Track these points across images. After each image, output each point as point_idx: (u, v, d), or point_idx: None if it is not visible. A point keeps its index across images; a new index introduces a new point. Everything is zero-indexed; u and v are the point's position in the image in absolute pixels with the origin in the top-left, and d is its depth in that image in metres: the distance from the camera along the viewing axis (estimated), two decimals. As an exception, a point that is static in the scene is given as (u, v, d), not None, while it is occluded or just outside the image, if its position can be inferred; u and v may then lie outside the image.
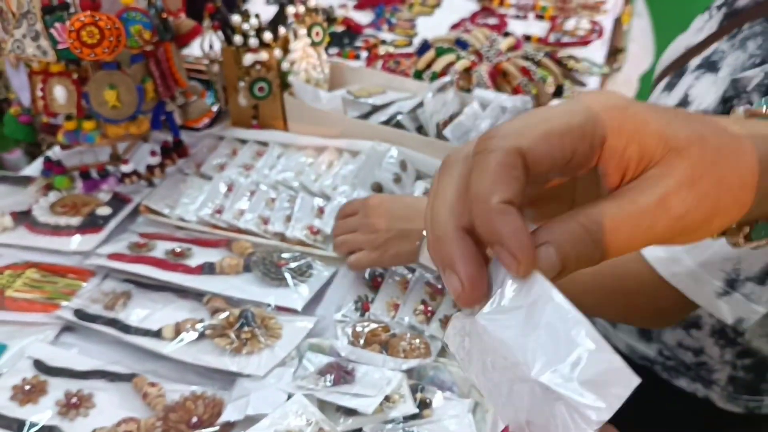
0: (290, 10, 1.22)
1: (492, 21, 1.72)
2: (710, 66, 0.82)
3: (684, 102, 0.83)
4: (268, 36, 1.20)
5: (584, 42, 1.58)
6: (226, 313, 0.87)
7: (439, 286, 0.92)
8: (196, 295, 0.94)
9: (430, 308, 0.89)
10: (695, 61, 0.87)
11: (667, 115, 0.34)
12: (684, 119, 0.34)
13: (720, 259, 0.69)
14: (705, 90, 0.80)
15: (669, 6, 2.30)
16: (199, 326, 0.86)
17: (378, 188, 1.08)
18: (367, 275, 0.94)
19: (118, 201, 1.11)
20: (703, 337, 0.89)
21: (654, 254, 0.72)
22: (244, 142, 1.23)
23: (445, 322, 0.87)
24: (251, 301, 0.91)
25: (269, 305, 0.90)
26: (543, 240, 0.33)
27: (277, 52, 1.21)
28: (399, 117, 1.19)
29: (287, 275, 0.95)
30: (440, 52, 1.34)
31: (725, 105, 0.75)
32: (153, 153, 1.13)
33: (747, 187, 0.34)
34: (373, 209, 0.91)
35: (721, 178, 0.33)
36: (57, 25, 0.97)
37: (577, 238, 0.33)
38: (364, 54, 1.56)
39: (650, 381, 0.98)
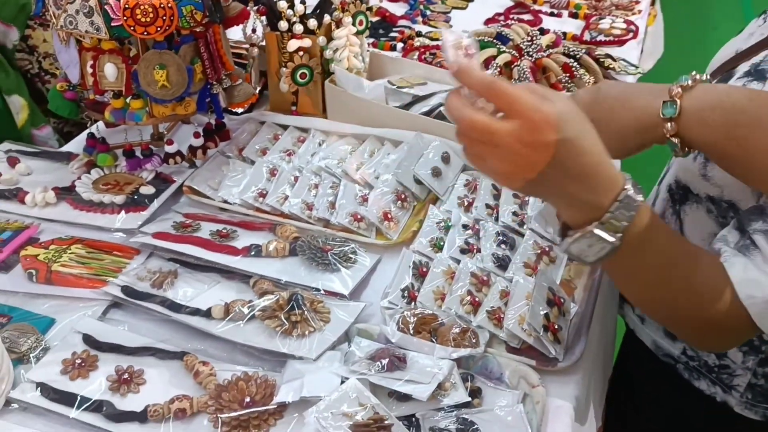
0: (336, -2, 1.22)
1: (526, 17, 1.71)
2: (758, 74, 0.82)
3: None
4: (312, 23, 1.20)
5: (620, 41, 1.58)
6: (276, 296, 0.87)
7: (485, 278, 0.92)
8: (242, 277, 0.94)
9: (477, 299, 0.89)
10: (743, 67, 0.87)
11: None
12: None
13: None
14: None
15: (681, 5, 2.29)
16: (248, 307, 0.86)
17: (418, 182, 1.09)
18: (411, 264, 0.95)
19: (160, 181, 1.11)
20: None
21: (740, 275, 0.70)
22: (284, 127, 1.23)
23: (492, 313, 0.87)
24: (299, 284, 0.92)
25: (318, 289, 0.91)
26: None
27: (321, 40, 1.21)
28: (441, 108, 1.19)
29: (333, 260, 0.95)
30: (481, 45, 1.34)
31: None
32: (196, 134, 1.13)
33: None
34: (542, 141, 0.64)
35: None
36: (111, 2, 0.97)
37: None
38: (399, 45, 1.56)
39: (672, 380, 0.98)
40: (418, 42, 1.55)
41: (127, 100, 1.05)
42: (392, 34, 1.62)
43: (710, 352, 0.90)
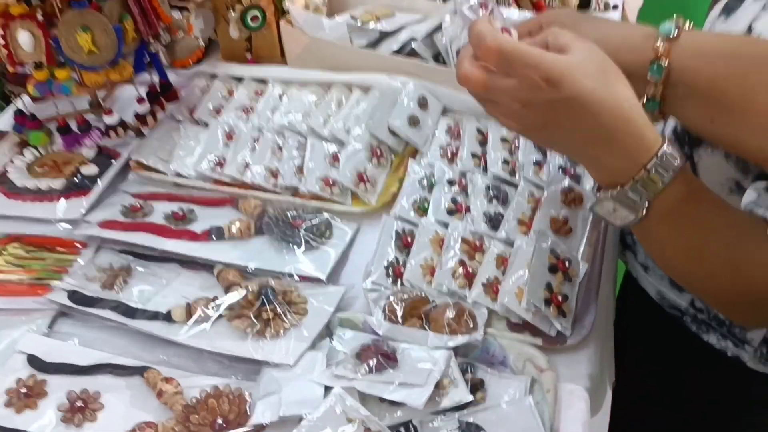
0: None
1: None
2: (727, 10, 0.69)
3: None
4: (258, -45, 1.05)
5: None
6: (243, 292, 0.76)
7: (477, 243, 0.82)
8: (205, 267, 0.83)
9: (470, 269, 0.79)
10: (718, 7, 0.74)
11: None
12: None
13: None
14: None
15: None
16: (213, 306, 0.76)
17: (394, 133, 0.96)
18: (394, 234, 0.84)
19: (104, 157, 0.98)
20: None
21: None
22: (239, 80, 1.09)
23: (489, 286, 0.77)
24: (269, 271, 0.81)
25: (291, 276, 0.80)
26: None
27: (270, -26, 1.06)
28: (413, 44, 1.06)
29: (306, 238, 0.84)
30: (453, -36, 1.19)
31: None
32: (140, 100, 0.99)
33: None
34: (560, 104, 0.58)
35: None
36: (13, -44, 0.81)
37: None
38: (362, -32, 1.39)
39: (678, 333, 0.90)
40: (381, -38, 1.38)
41: (51, 70, 0.91)
42: (352, -45, 1.45)
43: (749, 327, 0.80)
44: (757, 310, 0.65)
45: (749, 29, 0.70)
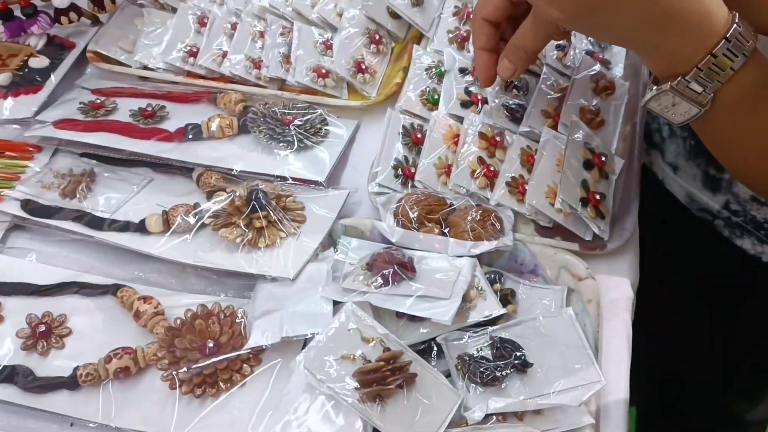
0: None
1: None
2: None
3: None
4: None
5: None
6: (230, 195, 0.65)
7: (497, 138, 0.71)
8: (181, 170, 0.71)
9: (491, 168, 0.69)
10: None
11: None
12: None
13: None
14: None
15: None
16: (195, 213, 0.65)
17: (395, 15, 0.83)
18: (401, 129, 0.72)
19: (56, 48, 0.84)
20: None
21: None
22: (210, -43, 0.94)
23: (513, 185, 0.67)
24: (257, 174, 0.69)
25: (284, 178, 0.69)
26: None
27: None
28: None
29: (298, 135, 0.72)
30: None
31: None
32: (93, -21, 0.85)
33: None
34: None
35: None
36: None
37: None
38: None
39: (708, 237, 0.81)
40: None
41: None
42: None
43: None
44: None
45: None
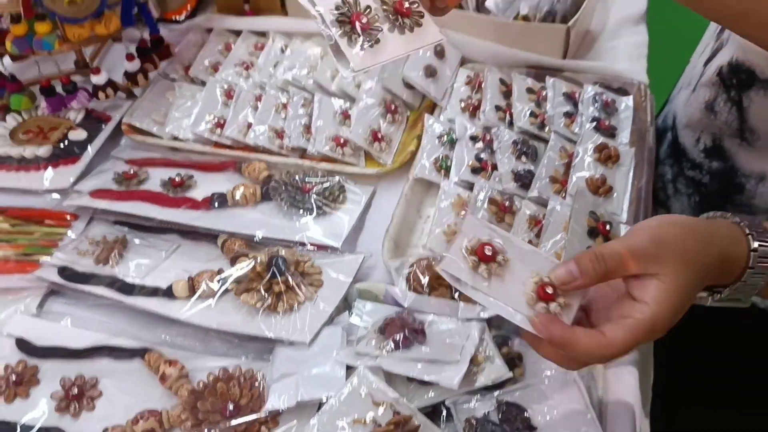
0: None
1: None
2: None
3: None
4: None
5: None
6: (252, 261, 0.69)
7: (507, 204, 0.74)
8: (208, 237, 0.76)
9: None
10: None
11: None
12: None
13: None
14: None
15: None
16: (218, 279, 0.69)
17: (409, 86, 0.88)
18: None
19: (93, 121, 0.90)
20: None
21: None
22: (237, 33, 1.01)
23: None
24: (278, 240, 0.74)
25: (302, 244, 0.73)
26: None
27: None
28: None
29: (317, 203, 0.77)
30: None
31: None
32: (129, 57, 0.91)
33: None
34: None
35: None
36: None
37: None
38: None
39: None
40: None
41: (31, 23, 0.82)
42: None
43: None
44: None
45: None
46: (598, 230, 0.70)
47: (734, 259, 0.51)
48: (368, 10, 0.51)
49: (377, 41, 0.50)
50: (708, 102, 0.77)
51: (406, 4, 0.52)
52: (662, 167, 0.87)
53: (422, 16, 0.53)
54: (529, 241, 0.71)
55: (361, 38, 0.50)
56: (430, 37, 0.53)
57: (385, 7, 0.52)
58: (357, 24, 0.50)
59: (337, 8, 0.50)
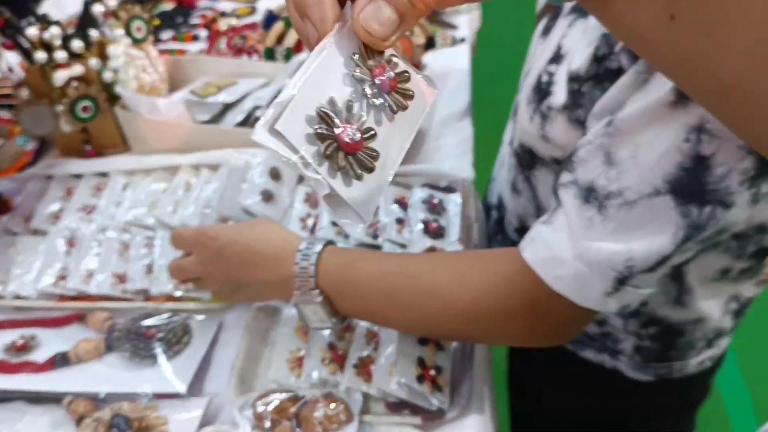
0: (97, 8, 1.00)
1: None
2: (581, 9, 0.68)
3: (557, 56, 0.68)
4: (77, 44, 0.98)
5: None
6: (95, 424, 0.69)
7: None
8: (54, 399, 0.75)
9: (340, 351, 0.75)
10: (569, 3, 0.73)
11: None
12: None
13: (610, 259, 0.57)
14: (576, 41, 0.66)
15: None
16: (61, 449, 0.68)
17: (249, 213, 0.91)
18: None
19: (-69, 290, 0.88)
20: None
21: (536, 256, 0.61)
22: (79, 177, 1.02)
23: (361, 367, 0.73)
24: (122, 394, 0.74)
25: (146, 395, 0.73)
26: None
27: (94, 62, 1.00)
28: (258, 113, 1.01)
29: (161, 348, 0.78)
30: (290, 23, 1.15)
31: (599, 65, 0.62)
32: (-36, 220, 0.91)
33: None
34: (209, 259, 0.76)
35: None
36: None
37: None
38: (203, 33, 1.34)
39: (557, 353, 0.88)
40: (223, 25, 1.34)
41: None
42: (193, 21, 1.40)
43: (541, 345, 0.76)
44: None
45: (558, 47, 0.69)
46: (428, 338, 0.73)
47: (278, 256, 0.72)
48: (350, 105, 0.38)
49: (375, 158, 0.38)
50: (512, 182, 0.83)
51: (390, 73, 0.39)
52: (493, 244, 0.92)
53: (408, 79, 0.40)
54: (368, 356, 0.74)
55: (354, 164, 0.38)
56: (427, 98, 0.41)
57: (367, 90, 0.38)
58: (344, 135, 0.37)
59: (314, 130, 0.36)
